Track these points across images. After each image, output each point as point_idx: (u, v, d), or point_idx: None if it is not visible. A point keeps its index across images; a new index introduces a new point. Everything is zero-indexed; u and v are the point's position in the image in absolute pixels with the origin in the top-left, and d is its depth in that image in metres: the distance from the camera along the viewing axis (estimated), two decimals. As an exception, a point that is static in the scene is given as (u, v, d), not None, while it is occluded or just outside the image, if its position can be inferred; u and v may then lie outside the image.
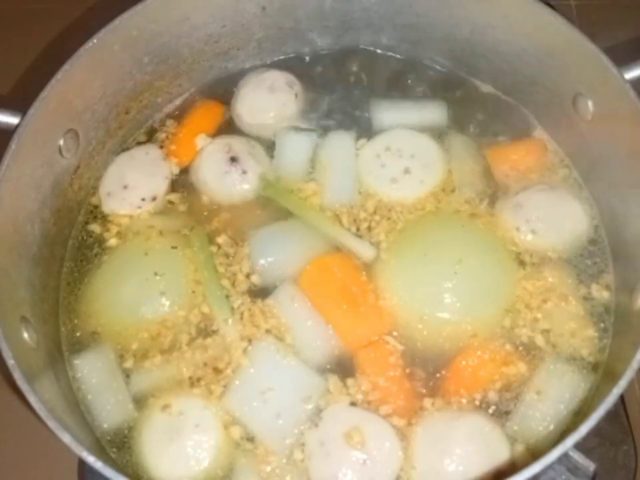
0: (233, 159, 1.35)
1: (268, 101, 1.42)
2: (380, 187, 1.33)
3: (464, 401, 1.16)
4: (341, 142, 1.38)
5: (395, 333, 1.21)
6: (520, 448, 1.12)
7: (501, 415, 1.15)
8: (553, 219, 1.28)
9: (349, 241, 1.28)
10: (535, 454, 1.10)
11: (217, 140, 1.39)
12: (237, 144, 1.37)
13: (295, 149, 1.39)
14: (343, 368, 1.19)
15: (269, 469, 1.12)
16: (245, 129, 1.43)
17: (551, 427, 1.13)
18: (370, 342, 1.20)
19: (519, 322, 1.21)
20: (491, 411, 1.15)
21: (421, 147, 1.36)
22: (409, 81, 1.47)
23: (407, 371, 1.18)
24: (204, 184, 1.36)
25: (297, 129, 1.41)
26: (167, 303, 1.23)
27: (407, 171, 1.33)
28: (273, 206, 1.34)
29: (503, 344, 1.20)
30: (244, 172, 1.34)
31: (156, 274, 1.24)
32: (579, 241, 1.29)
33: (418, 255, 1.25)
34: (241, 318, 1.23)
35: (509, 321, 1.21)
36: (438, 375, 1.19)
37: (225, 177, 1.34)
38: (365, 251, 1.27)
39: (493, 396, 1.16)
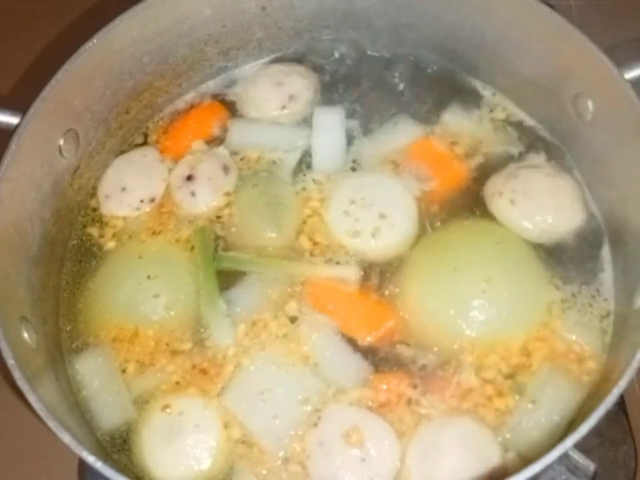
0: (189, 177, 1.34)
1: (274, 92, 1.42)
2: (364, 245, 1.26)
3: (456, 407, 1.14)
4: (328, 116, 1.39)
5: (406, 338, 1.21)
6: (512, 455, 1.10)
7: (494, 423, 1.13)
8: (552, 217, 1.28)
9: (329, 272, 1.25)
10: (527, 462, 1.08)
11: (199, 152, 1.38)
12: (205, 163, 1.35)
13: (286, 144, 1.39)
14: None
15: (267, 469, 1.12)
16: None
17: (545, 436, 1.11)
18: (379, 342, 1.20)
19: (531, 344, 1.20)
20: (484, 418, 1.14)
21: (382, 188, 1.30)
22: (409, 81, 1.46)
23: (409, 374, 1.18)
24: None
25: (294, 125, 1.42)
26: (161, 305, 1.23)
27: (382, 216, 1.27)
28: None
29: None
30: (192, 194, 1.33)
31: (149, 277, 1.24)
32: (579, 241, 1.29)
33: (447, 268, 1.22)
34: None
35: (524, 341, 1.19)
36: (436, 382, 1.17)
37: (177, 191, 1.35)
38: (348, 274, 1.24)
39: (485, 402, 1.15)
